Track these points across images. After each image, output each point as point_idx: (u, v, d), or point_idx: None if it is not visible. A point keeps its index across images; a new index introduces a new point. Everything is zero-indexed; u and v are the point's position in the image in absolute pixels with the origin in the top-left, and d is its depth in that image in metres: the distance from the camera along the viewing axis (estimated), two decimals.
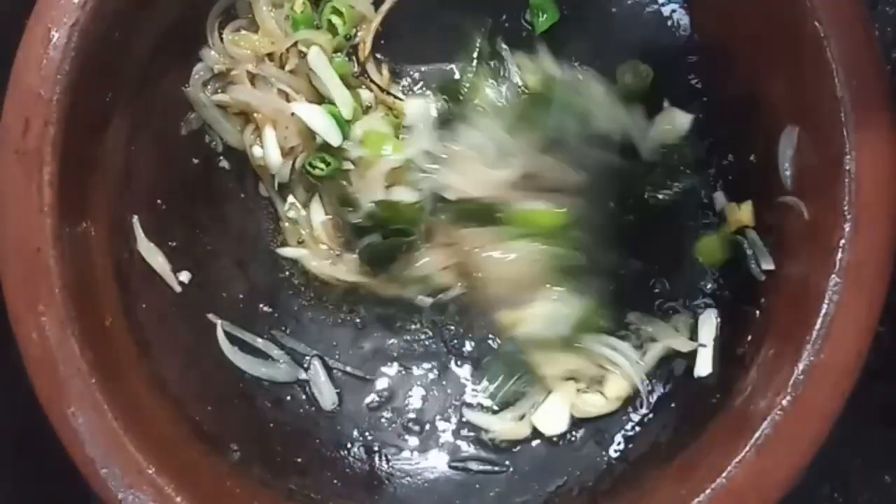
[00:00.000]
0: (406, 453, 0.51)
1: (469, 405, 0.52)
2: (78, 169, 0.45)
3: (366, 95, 0.53)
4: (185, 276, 0.51)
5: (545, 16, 0.54)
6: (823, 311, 0.43)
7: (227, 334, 0.51)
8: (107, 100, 0.47)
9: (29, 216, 0.43)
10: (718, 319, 0.51)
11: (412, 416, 0.52)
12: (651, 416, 0.51)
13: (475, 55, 0.53)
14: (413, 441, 0.52)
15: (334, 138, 0.51)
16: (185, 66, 0.51)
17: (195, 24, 0.50)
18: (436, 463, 0.51)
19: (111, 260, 0.47)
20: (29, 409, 0.42)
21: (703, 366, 0.50)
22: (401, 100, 0.53)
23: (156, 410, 0.46)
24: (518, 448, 0.51)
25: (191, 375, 0.49)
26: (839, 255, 0.43)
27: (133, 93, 0.48)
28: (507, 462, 0.51)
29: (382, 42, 0.54)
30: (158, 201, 0.50)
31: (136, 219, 0.49)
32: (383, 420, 0.52)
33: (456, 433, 0.52)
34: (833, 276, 0.43)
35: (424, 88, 0.54)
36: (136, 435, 0.43)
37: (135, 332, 0.47)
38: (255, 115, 0.52)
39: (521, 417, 0.51)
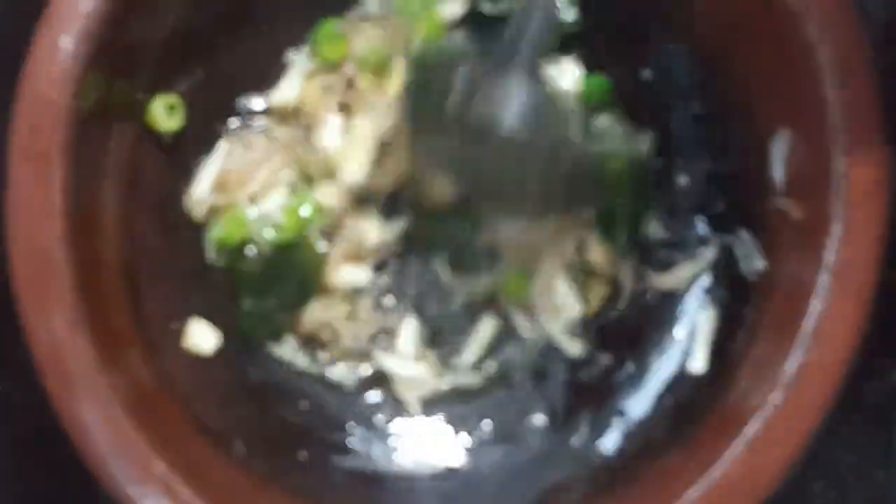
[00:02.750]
0: (410, 451, 0.52)
1: None
2: (87, 172, 0.45)
3: None
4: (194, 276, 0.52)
5: None
6: (813, 310, 0.43)
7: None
8: (115, 103, 0.47)
9: (39, 219, 0.43)
10: (716, 317, 0.51)
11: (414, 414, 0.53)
12: (646, 412, 0.51)
13: None
14: (416, 439, 0.52)
15: None
16: (197, 68, 0.52)
17: (204, 28, 0.51)
18: (438, 461, 0.52)
19: (120, 260, 0.48)
20: (39, 409, 0.43)
21: (698, 362, 0.50)
22: None
23: (163, 407, 0.47)
24: (516, 445, 0.52)
25: (197, 373, 0.50)
26: (829, 254, 0.43)
27: (141, 96, 0.49)
28: (505, 459, 0.52)
29: None
30: (167, 201, 0.51)
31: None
32: (387, 418, 0.53)
33: (457, 431, 0.53)
34: (823, 275, 0.43)
35: None
36: (145, 431, 0.43)
37: (143, 331, 0.48)
38: None
39: None
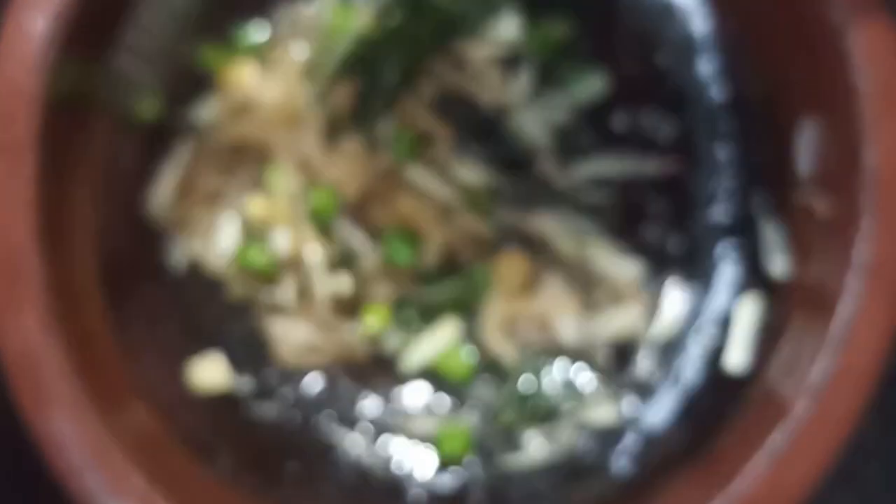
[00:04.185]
0: (404, 463, 0.50)
1: None
2: (61, 164, 0.44)
3: None
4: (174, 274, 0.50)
5: None
6: (841, 312, 0.42)
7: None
8: (90, 91, 0.46)
9: (11, 213, 0.42)
10: (760, 304, 0.49)
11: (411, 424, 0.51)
12: (663, 422, 0.50)
13: None
14: (412, 450, 0.51)
15: None
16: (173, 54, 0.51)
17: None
18: (436, 472, 0.50)
19: (97, 258, 0.47)
20: (9, 415, 0.41)
21: (737, 359, 0.49)
22: None
23: (143, 416, 0.46)
24: (524, 455, 0.50)
25: (180, 379, 0.49)
26: (858, 252, 0.42)
27: (117, 84, 0.48)
28: (512, 470, 0.50)
29: None
30: (145, 197, 0.50)
31: None
32: (380, 429, 0.51)
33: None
34: (851, 275, 0.42)
35: None
36: (123, 441, 0.42)
37: (121, 333, 0.47)
38: None
39: None
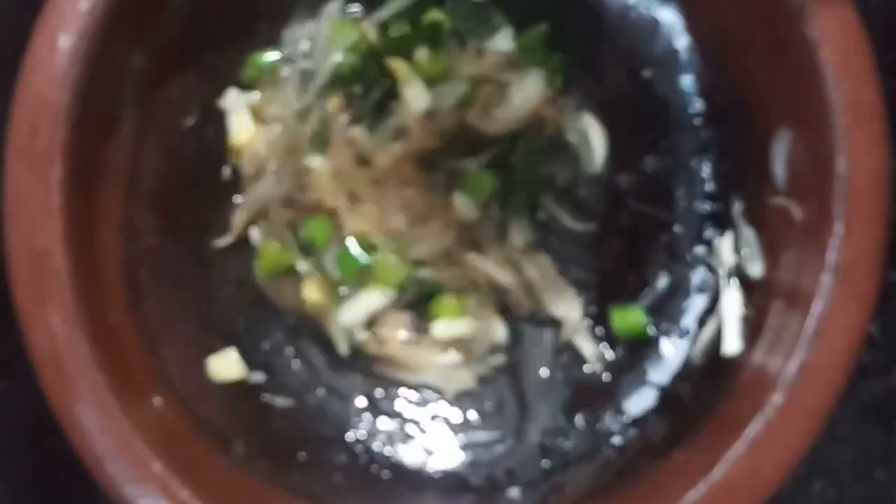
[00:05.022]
0: (408, 450, 0.52)
1: None
2: (86, 171, 0.45)
3: None
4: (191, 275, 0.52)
5: None
6: (815, 310, 0.43)
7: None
8: (114, 102, 0.47)
9: (38, 218, 0.43)
10: (741, 294, 0.50)
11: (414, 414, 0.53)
12: (646, 412, 0.51)
13: None
14: (415, 438, 0.52)
15: None
16: (191, 68, 0.52)
17: (201, 28, 0.51)
18: (437, 460, 0.52)
19: (118, 259, 0.48)
20: (37, 406, 0.43)
21: (732, 343, 0.49)
22: None
23: (162, 407, 0.47)
24: (517, 444, 0.52)
25: (196, 372, 0.50)
26: (830, 254, 0.43)
27: (139, 95, 0.49)
28: (505, 459, 0.51)
29: None
30: (164, 201, 0.51)
31: None
32: (386, 417, 0.52)
33: (457, 431, 0.52)
34: (824, 275, 0.43)
35: None
36: (143, 431, 0.43)
37: (141, 330, 0.48)
38: None
39: None
